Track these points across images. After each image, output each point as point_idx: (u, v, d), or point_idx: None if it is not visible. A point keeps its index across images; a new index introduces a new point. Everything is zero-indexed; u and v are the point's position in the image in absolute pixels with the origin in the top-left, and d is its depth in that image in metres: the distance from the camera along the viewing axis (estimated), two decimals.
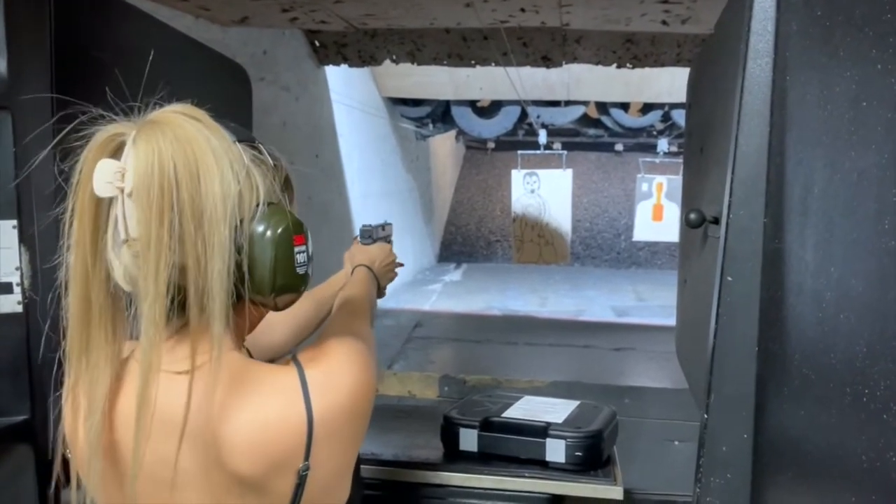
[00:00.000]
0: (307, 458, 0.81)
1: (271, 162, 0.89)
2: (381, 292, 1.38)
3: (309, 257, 0.88)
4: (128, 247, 0.79)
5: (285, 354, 1.26)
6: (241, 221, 0.81)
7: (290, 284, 0.86)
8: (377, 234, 1.45)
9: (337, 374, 0.85)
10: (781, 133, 1.03)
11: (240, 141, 0.85)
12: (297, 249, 0.85)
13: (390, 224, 1.52)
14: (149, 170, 0.75)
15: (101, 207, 0.79)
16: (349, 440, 0.87)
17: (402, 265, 1.49)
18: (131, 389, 0.82)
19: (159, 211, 0.75)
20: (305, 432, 0.81)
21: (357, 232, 1.44)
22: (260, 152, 0.88)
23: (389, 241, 1.49)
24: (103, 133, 0.79)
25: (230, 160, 0.81)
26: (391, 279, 1.43)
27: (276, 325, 1.31)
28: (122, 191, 0.77)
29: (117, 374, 0.84)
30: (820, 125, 0.88)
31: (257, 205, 0.83)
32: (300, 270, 0.86)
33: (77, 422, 0.84)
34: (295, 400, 0.81)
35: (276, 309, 0.88)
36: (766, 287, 1.07)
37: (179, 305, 0.80)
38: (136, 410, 0.77)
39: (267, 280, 0.83)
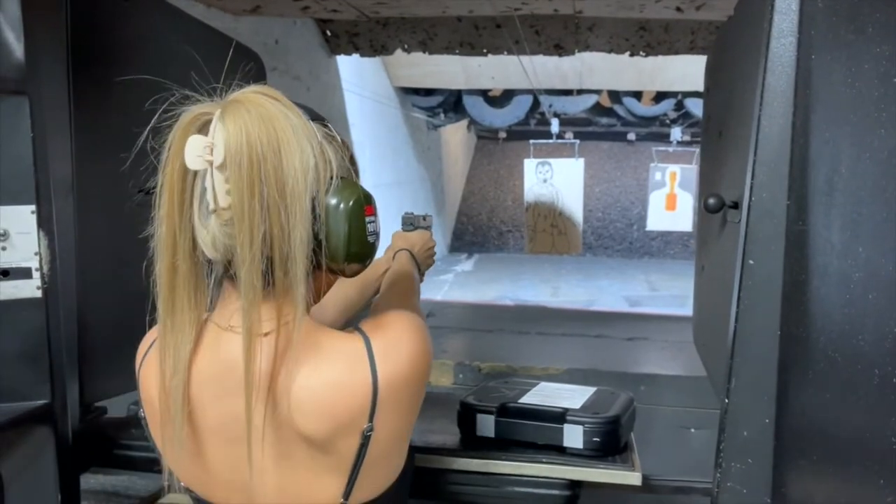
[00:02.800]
0: (371, 419, 0.87)
1: (340, 139, 0.95)
2: (419, 277, 1.42)
3: (377, 228, 0.95)
4: (217, 216, 0.84)
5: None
6: (318, 193, 0.88)
7: (361, 253, 0.92)
8: (418, 223, 1.52)
9: (399, 343, 0.91)
10: (806, 113, 1.01)
11: (312, 120, 0.90)
12: (367, 220, 0.92)
13: (430, 216, 1.57)
14: (239, 145, 0.81)
15: (188, 181, 0.85)
16: (409, 405, 0.93)
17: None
18: (208, 350, 0.90)
19: (250, 183, 0.81)
20: (370, 396, 0.86)
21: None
22: (329, 131, 0.93)
23: (428, 229, 1.54)
24: (189, 113, 0.85)
25: (307, 137, 0.86)
26: (430, 265, 1.49)
27: (327, 304, 1.37)
28: (210, 164, 0.82)
29: (198, 334, 0.90)
30: (847, 104, 0.86)
31: (331, 178, 0.90)
32: (370, 240, 0.93)
33: (161, 380, 0.89)
34: (362, 365, 0.87)
35: (346, 276, 0.95)
36: (788, 270, 1.06)
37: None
38: (244, 365, 0.83)
39: (341, 248, 0.90)
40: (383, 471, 0.95)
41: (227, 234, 0.84)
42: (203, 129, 0.84)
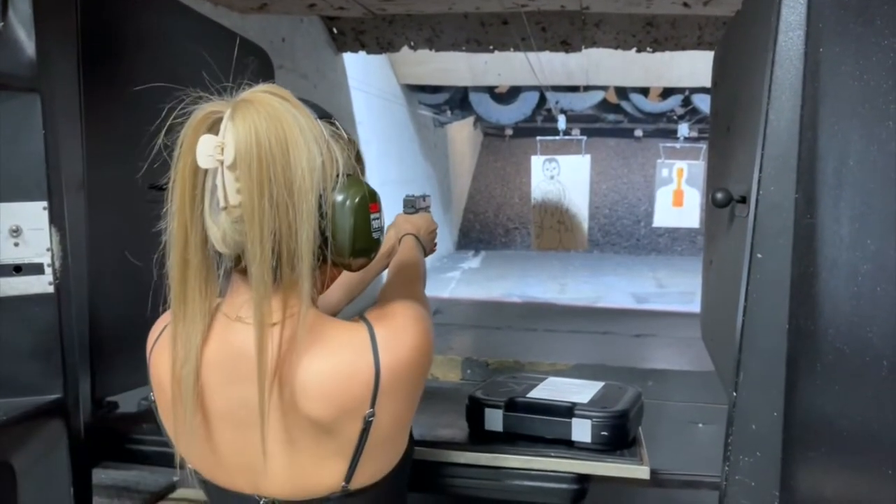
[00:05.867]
0: (373, 405, 0.90)
1: (346, 136, 0.97)
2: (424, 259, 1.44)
3: (382, 224, 0.98)
4: (227, 213, 0.87)
5: (339, 313, 1.37)
6: (324, 190, 0.91)
7: (366, 248, 0.95)
8: (419, 205, 1.54)
9: (402, 332, 0.94)
10: (814, 106, 1.02)
11: (319, 118, 0.93)
12: (372, 216, 0.94)
13: (429, 196, 1.59)
14: (249, 145, 0.83)
15: (199, 178, 0.88)
16: (410, 392, 0.96)
17: None
18: (217, 339, 0.93)
19: (259, 182, 0.84)
20: (373, 382, 0.90)
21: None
22: (337, 128, 0.96)
23: (428, 212, 1.55)
24: (200, 111, 0.87)
25: (314, 136, 0.89)
26: (433, 248, 1.52)
27: (332, 286, 1.37)
28: (221, 163, 0.85)
29: (209, 323, 0.93)
30: (856, 96, 0.86)
31: (337, 175, 0.92)
32: (375, 235, 0.96)
33: (172, 367, 0.92)
34: (365, 353, 0.90)
35: (352, 270, 0.98)
36: (797, 263, 1.06)
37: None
38: (256, 354, 0.86)
39: (347, 244, 0.93)
40: (384, 456, 0.98)
41: (238, 231, 0.87)
42: (213, 127, 0.86)
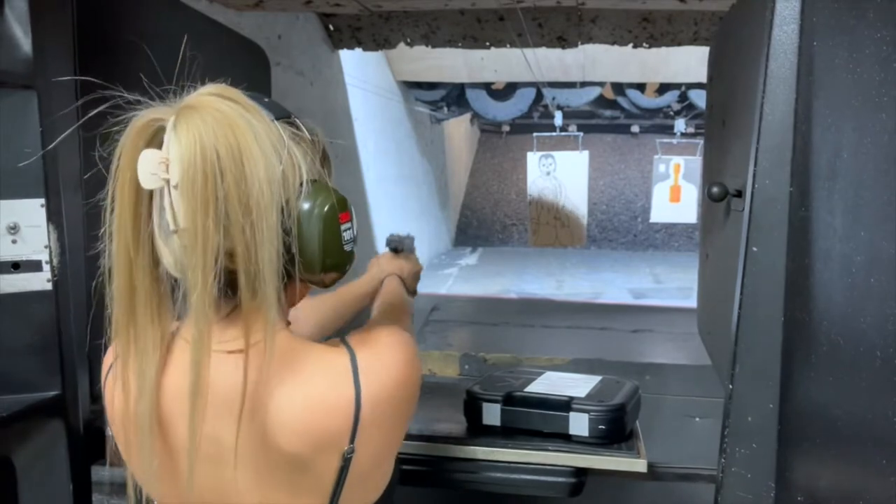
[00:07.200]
0: (352, 441, 0.81)
1: (309, 137, 0.88)
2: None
3: (354, 234, 0.89)
4: (178, 237, 0.77)
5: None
6: (287, 202, 0.81)
7: (338, 262, 0.86)
8: (404, 245, 1.51)
9: (386, 358, 0.85)
10: (808, 99, 1.02)
11: (277, 118, 0.83)
12: (343, 227, 0.85)
13: (413, 237, 1.56)
14: (192, 160, 0.73)
15: (142, 195, 0.78)
16: (395, 425, 0.88)
17: None
18: (178, 366, 0.83)
19: (204, 202, 0.74)
20: (353, 415, 0.81)
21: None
22: (297, 128, 0.86)
23: (412, 251, 1.55)
24: (140, 119, 0.77)
25: (271, 141, 0.79)
26: (415, 292, 1.49)
27: (300, 320, 1.28)
28: (167, 182, 0.75)
29: (164, 352, 0.83)
30: (849, 89, 0.87)
31: (301, 183, 0.83)
32: (347, 248, 0.87)
33: (125, 402, 0.83)
34: (344, 382, 0.82)
35: (324, 286, 0.89)
36: (792, 255, 1.07)
37: (230, 287, 0.80)
38: (189, 397, 0.77)
39: (317, 259, 0.84)
40: (366, 491, 0.90)
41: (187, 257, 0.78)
42: (155, 137, 0.77)
